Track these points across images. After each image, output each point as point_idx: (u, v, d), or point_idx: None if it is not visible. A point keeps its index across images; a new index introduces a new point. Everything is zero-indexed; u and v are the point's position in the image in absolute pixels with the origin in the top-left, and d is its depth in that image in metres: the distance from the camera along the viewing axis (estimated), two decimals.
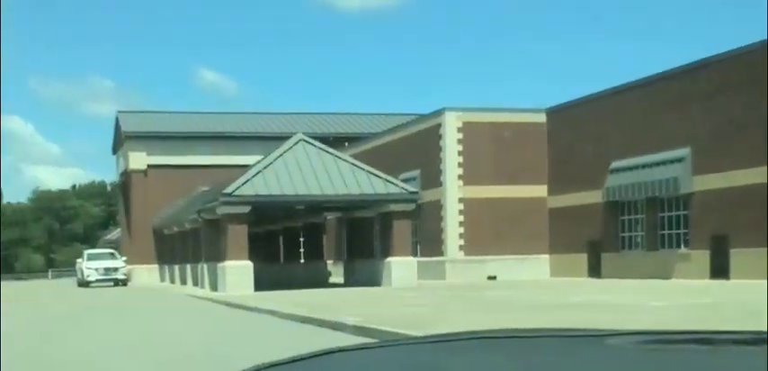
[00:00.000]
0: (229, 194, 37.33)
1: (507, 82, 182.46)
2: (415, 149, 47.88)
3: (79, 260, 59.97)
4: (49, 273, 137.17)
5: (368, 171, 40.02)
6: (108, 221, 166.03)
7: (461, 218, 46.61)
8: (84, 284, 56.92)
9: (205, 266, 42.77)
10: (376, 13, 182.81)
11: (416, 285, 39.66)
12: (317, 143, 41.22)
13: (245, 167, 61.26)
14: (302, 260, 55.74)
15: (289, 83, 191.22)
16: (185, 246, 54.03)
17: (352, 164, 40.33)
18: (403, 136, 49.93)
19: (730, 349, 1.49)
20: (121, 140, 67.00)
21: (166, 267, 62.51)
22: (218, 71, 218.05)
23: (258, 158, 63.60)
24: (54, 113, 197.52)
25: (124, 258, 60.02)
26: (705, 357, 1.45)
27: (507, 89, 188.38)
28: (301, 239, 54.73)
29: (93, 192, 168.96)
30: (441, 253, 46.49)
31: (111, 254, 60.65)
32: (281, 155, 39.83)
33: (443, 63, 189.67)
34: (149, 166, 64.56)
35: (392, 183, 39.81)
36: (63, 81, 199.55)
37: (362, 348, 1.68)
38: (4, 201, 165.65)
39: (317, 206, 42.17)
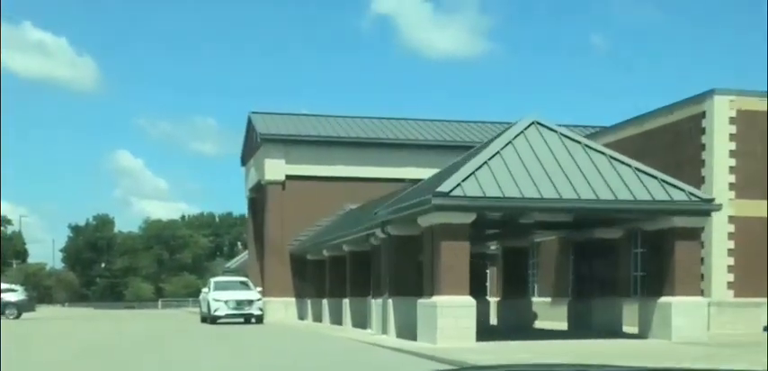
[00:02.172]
0: (446, 194, 24.24)
1: None
2: (657, 149, 34.23)
3: (204, 290, 47.75)
4: (159, 303, 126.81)
5: (635, 168, 26.64)
6: (215, 253, 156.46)
7: (731, 244, 32.80)
8: (209, 318, 44.45)
9: (390, 302, 29.65)
10: None
11: (707, 339, 26.16)
12: (556, 127, 28.00)
13: (399, 181, 48.86)
14: (488, 295, 42.58)
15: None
16: (338, 275, 41.42)
17: (612, 158, 26.96)
18: (640, 132, 36.26)
19: None
20: (254, 147, 54.79)
21: (308, 301, 49.92)
22: None
23: (416, 170, 51.94)
24: (161, 149, 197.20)
25: (259, 289, 47.49)
26: None
27: None
28: (488, 269, 41.71)
29: (201, 223, 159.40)
30: (695, 291, 32.65)
31: (244, 283, 48.18)
32: (509, 143, 26.70)
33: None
34: (288, 176, 52.16)
35: (675, 186, 26.30)
36: (169, 120, 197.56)
37: None
38: (116, 230, 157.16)
39: (583, 218, 28.72)
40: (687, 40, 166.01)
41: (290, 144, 52.28)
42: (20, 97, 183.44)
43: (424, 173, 42.81)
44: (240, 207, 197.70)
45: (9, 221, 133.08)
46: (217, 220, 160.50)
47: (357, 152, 52.63)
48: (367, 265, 35.71)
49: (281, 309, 51.33)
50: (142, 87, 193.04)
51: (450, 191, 24.35)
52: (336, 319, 41.02)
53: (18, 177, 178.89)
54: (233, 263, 75.86)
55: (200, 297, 49.39)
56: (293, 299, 52.29)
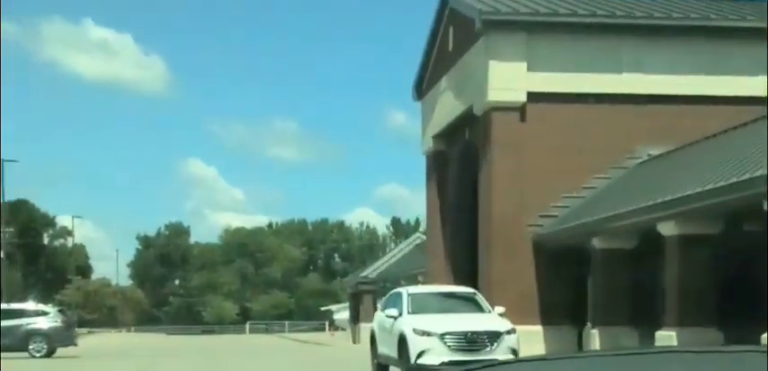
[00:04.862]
0: None
1: None
2: None
3: (387, 314, 22.56)
4: (247, 326, 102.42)
5: None
6: (308, 266, 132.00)
7: None
8: (404, 368, 19.61)
9: None
10: None
11: None
12: None
13: (744, 101, 24.37)
14: None
15: None
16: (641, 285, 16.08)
17: None
18: None
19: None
20: (456, 52, 29.48)
21: (566, 329, 24.76)
22: (408, 114, 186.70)
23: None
24: (236, 156, 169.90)
25: (500, 311, 22.04)
26: None
27: None
28: None
29: (292, 230, 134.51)
30: None
31: (467, 299, 22.87)
32: None
33: None
34: (532, 96, 26.60)
35: None
36: (244, 123, 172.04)
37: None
38: (192, 241, 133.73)
39: None
40: None
41: (537, 32, 26.94)
42: (83, 100, 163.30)
43: None
44: (334, 214, 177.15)
45: (69, 232, 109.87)
46: (310, 227, 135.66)
47: (663, 47, 27.14)
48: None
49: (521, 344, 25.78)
50: (214, 88, 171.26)
51: None
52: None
53: (79, 186, 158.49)
54: (374, 269, 50.85)
55: (376, 324, 24.29)
56: (539, 327, 26.87)
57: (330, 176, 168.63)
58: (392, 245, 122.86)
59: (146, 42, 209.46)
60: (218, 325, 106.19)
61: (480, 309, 22.40)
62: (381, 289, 50.46)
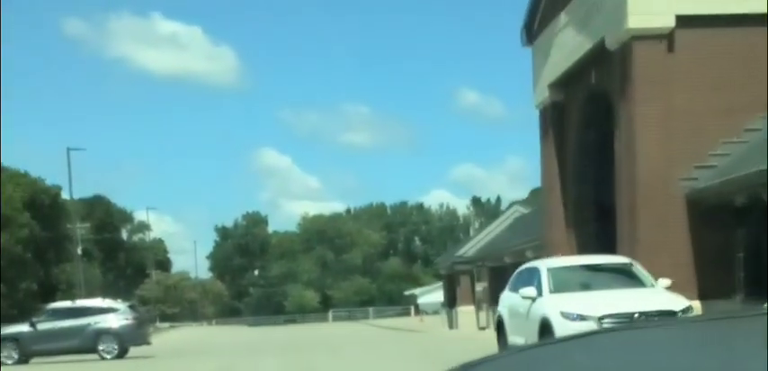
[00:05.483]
0: None
1: None
2: None
3: (509, 294, 17.87)
4: (330, 314, 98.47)
5: None
6: (389, 251, 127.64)
7: None
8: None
9: None
10: None
11: None
12: None
13: None
14: None
15: None
16: None
17: None
18: None
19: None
20: None
21: (732, 304, 19.54)
22: (481, 92, 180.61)
23: None
24: (309, 144, 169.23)
25: (666, 283, 17.02)
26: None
27: None
28: None
29: (371, 214, 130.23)
30: None
31: (618, 269, 17.78)
32: None
33: None
34: (681, 19, 21.36)
35: None
36: (316, 110, 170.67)
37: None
38: (270, 230, 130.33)
39: None
40: None
41: None
42: (155, 95, 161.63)
43: None
44: (412, 197, 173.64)
45: (147, 227, 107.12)
46: (388, 211, 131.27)
47: None
48: None
49: None
50: (285, 77, 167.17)
51: None
52: None
53: (155, 181, 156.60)
54: (470, 247, 45.79)
55: (505, 307, 19.45)
56: (696, 302, 21.54)
57: (404, 158, 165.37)
58: (476, 224, 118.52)
59: (215, 34, 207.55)
60: (300, 314, 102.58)
61: (640, 282, 17.47)
62: (479, 269, 45.51)
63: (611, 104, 24.15)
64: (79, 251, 74.92)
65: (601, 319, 15.62)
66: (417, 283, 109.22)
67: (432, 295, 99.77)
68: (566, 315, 16.04)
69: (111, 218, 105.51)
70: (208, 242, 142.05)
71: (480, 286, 42.18)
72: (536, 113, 29.14)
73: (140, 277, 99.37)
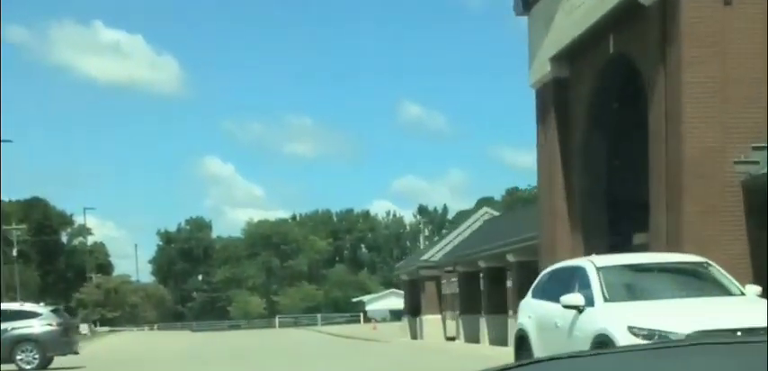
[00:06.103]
0: None
1: None
2: None
3: (536, 302, 13.19)
4: (276, 320, 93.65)
5: None
6: (335, 258, 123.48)
7: None
8: None
9: None
10: None
11: None
12: None
13: None
14: None
15: None
16: None
17: None
18: None
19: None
20: None
21: None
22: (424, 106, 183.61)
23: None
24: (253, 153, 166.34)
25: (756, 289, 12.72)
26: None
27: None
28: None
29: (317, 221, 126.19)
30: None
31: (682, 270, 13.43)
32: None
33: None
34: None
35: None
36: (259, 121, 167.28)
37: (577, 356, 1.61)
38: (214, 235, 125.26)
39: None
40: None
41: None
42: (98, 102, 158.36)
43: None
44: (357, 205, 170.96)
45: (88, 230, 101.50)
46: (334, 218, 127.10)
47: None
48: None
49: None
50: (228, 87, 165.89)
51: None
52: None
53: (97, 187, 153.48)
54: (437, 251, 41.09)
55: (532, 320, 14.76)
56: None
57: (348, 169, 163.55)
58: (426, 231, 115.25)
59: (158, 43, 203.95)
60: (245, 320, 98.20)
61: (723, 289, 13.07)
62: (448, 274, 41.17)
63: (632, 76, 19.93)
64: (14, 253, 69.93)
65: (689, 338, 11.21)
66: (364, 290, 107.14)
67: (380, 302, 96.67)
68: (636, 331, 11.62)
69: (49, 220, 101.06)
70: (151, 248, 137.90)
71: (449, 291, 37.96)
72: (525, 105, 24.86)
73: (80, 281, 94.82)
